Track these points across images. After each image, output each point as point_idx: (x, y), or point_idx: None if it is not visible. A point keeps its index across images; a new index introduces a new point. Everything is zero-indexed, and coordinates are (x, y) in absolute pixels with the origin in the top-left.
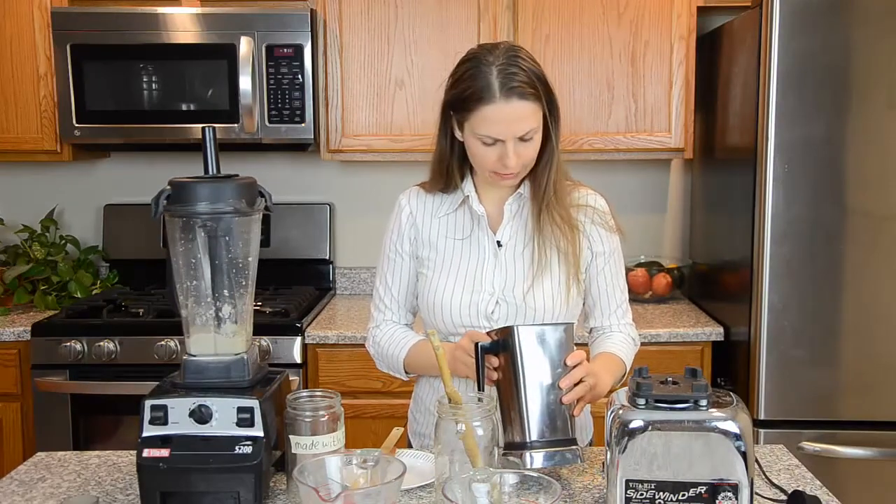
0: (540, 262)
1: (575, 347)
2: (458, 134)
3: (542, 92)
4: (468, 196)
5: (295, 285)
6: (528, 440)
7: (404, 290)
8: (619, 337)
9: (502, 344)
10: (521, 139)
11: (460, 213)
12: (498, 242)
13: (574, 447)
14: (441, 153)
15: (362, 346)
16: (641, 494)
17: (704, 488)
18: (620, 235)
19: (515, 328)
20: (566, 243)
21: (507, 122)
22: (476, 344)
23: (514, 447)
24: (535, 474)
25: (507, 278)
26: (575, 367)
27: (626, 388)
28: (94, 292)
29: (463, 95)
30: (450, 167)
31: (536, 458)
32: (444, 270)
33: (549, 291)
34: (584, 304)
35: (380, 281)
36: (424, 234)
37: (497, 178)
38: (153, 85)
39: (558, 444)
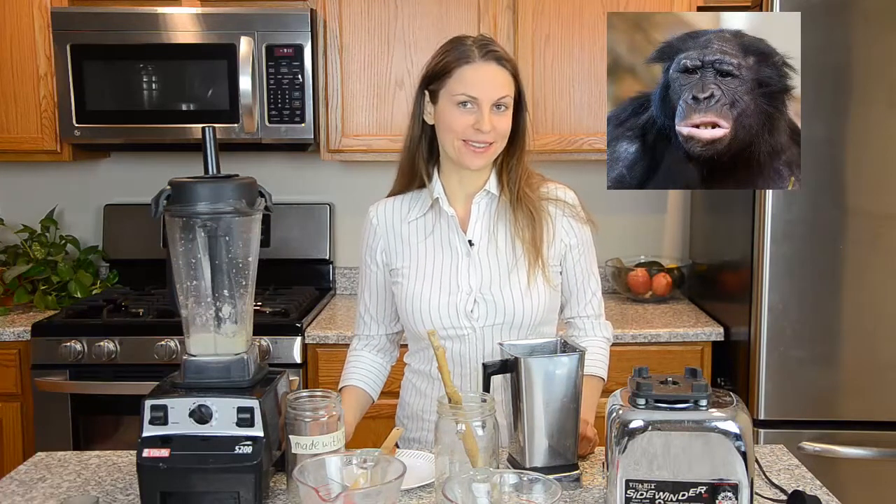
0: (513, 257)
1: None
2: (428, 117)
3: (515, 75)
4: (437, 198)
5: (295, 285)
6: (527, 466)
7: (377, 303)
8: (595, 345)
9: (510, 366)
10: (496, 106)
11: (430, 216)
12: (469, 241)
13: (575, 472)
14: (411, 141)
15: None
16: (641, 494)
17: (704, 488)
18: (592, 226)
19: (522, 360)
20: (536, 235)
21: (485, 81)
22: (483, 364)
23: (516, 465)
24: (535, 474)
25: (482, 276)
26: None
27: (625, 388)
28: (94, 292)
29: (442, 62)
30: (417, 158)
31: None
32: (419, 275)
33: (526, 286)
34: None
35: (360, 295)
36: (397, 242)
37: (467, 151)
38: (153, 85)
39: (559, 469)
